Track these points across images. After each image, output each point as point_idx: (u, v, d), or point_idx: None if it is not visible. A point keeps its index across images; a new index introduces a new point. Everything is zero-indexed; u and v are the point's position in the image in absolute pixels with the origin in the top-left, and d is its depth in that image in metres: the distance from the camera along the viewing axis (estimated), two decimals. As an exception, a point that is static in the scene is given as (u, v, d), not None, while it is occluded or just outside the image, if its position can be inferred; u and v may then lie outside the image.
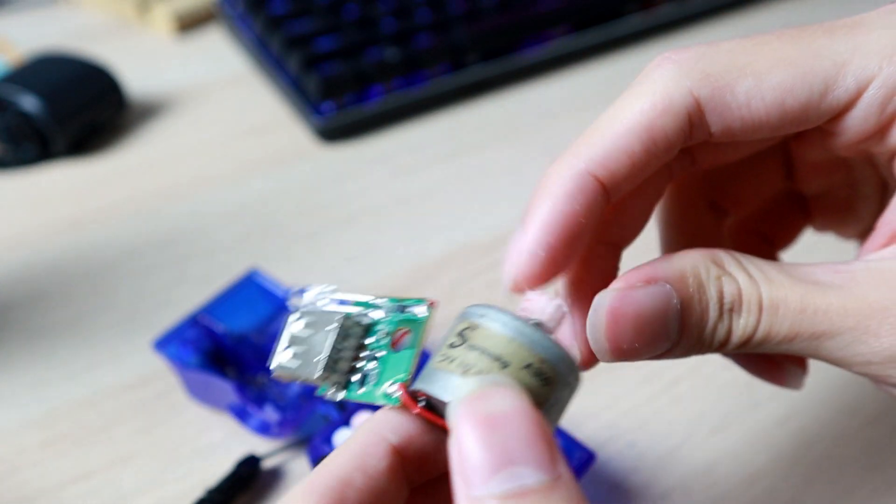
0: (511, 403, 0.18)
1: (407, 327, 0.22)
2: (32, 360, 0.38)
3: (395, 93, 0.54)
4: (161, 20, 0.63)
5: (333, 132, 0.52)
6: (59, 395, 0.37)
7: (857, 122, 0.23)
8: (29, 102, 0.49)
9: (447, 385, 0.20)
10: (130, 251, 0.44)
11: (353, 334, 0.22)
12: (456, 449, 0.18)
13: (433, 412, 0.21)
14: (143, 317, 0.40)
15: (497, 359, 0.20)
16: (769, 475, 0.34)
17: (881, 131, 0.23)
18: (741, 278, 0.22)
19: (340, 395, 0.22)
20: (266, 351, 0.36)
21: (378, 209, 0.47)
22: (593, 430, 0.35)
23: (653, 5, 0.62)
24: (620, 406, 0.36)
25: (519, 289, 0.22)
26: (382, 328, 0.22)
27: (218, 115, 0.56)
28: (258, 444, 0.34)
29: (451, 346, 0.20)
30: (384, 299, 0.23)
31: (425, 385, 0.20)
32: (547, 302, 0.21)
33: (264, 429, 0.34)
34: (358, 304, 0.23)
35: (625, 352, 0.22)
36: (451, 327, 0.21)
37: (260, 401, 0.34)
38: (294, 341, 0.22)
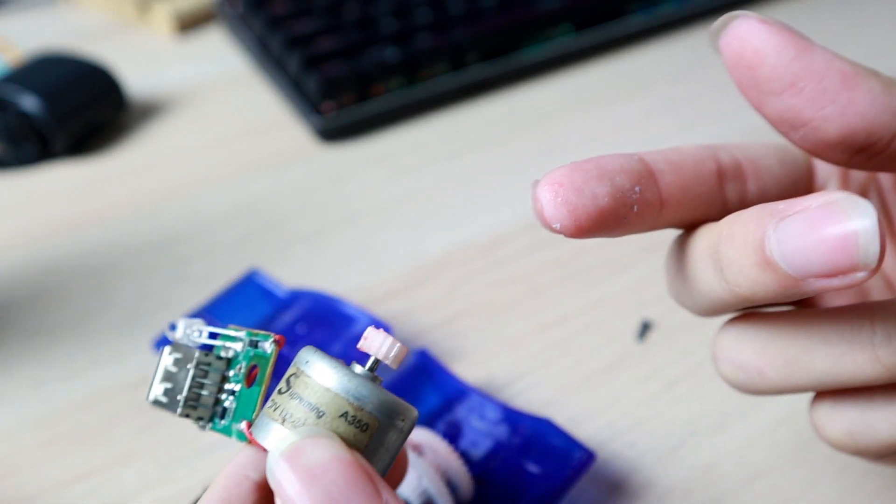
0: (327, 453, 0.19)
1: (257, 364, 0.23)
2: (32, 360, 0.38)
3: (395, 93, 0.54)
4: (161, 20, 0.63)
5: (333, 132, 0.52)
6: (59, 395, 0.37)
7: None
8: (29, 102, 0.49)
9: (269, 433, 0.20)
10: (130, 251, 0.44)
11: (216, 368, 0.23)
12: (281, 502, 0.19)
13: None
14: (143, 317, 0.40)
15: (314, 408, 0.20)
16: (769, 475, 0.34)
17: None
18: None
19: (207, 428, 0.23)
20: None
21: (378, 209, 0.47)
22: (593, 430, 0.35)
23: (653, 5, 0.62)
24: (620, 406, 0.36)
25: (562, 229, 0.21)
26: (240, 362, 0.23)
27: (218, 115, 0.56)
28: (258, 444, 0.34)
29: (279, 392, 0.21)
30: (243, 332, 0.23)
31: (256, 431, 0.21)
32: (383, 339, 0.21)
33: (264, 429, 0.34)
34: (223, 337, 0.24)
35: None
36: (287, 370, 0.22)
37: (260, 401, 0.34)
38: (166, 376, 0.23)
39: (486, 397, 0.34)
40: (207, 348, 0.24)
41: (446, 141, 0.53)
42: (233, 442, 0.34)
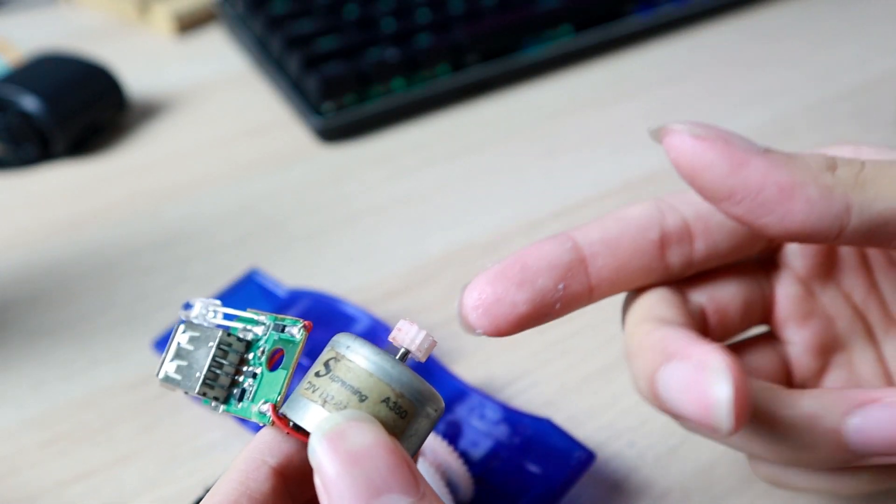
0: (370, 438, 0.19)
1: (282, 347, 0.23)
2: (32, 360, 0.38)
3: (395, 93, 0.54)
4: (161, 20, 0.63)
5: (333, 132, 0.52)
6: (59, 395, 0.37)
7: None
8: (29, 102, 0.49)
9: (308, 414, 0.21)
10: (130, 251, 0.44)
11: (235, 350, 0.23)
12: (322, 486, 0.19)
13: (303, 432, 0.21)
14: (143, 317, 0.40)
15: (356, 392, 0.21)
16: (769, 475, 0.34)
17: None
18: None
19: (220, 409, 0.23)
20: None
21: (378, 209, 0.47)
22: (593, 429, 0.35)
23: (653, 5, 0.62)
24: (620, 406, 0.36)
25: (484, 333, 0.23)
26: (262, 346, 0.23)
27: (218, 115, 0.56)
28: (258, 444, 0.34)
29: (317, 374, 0.21)
30: (265, 316, 0.23)
31: (290, 411, 0.21)
32: (417, 332, 0.22)
33: (264, 429, 0.34)
34: (241, 319, 0.24)
35: None
36: (320, 355, 0.22)
37: (260, 401, 0.34)
38: (179, 354, 0.23)
39: (485, 397, 0.34)
40: (225, 329, 0.23)
41: (446, 141, 0.53)
42: (232, 442, 0.35)
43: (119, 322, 0.40)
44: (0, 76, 0.50)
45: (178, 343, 0.23)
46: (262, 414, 0.22)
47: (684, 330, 0.22)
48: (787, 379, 0.28)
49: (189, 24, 0.64)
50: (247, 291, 0.38)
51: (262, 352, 0.23)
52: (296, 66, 0.54)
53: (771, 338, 0.28)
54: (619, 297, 0.42)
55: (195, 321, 0.24)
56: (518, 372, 0.38)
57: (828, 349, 0.27)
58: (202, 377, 0.22)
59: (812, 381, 0.28)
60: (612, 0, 0.61)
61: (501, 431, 0.33)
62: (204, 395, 0.22)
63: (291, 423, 0.21)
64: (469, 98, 0.56)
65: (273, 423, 0.21)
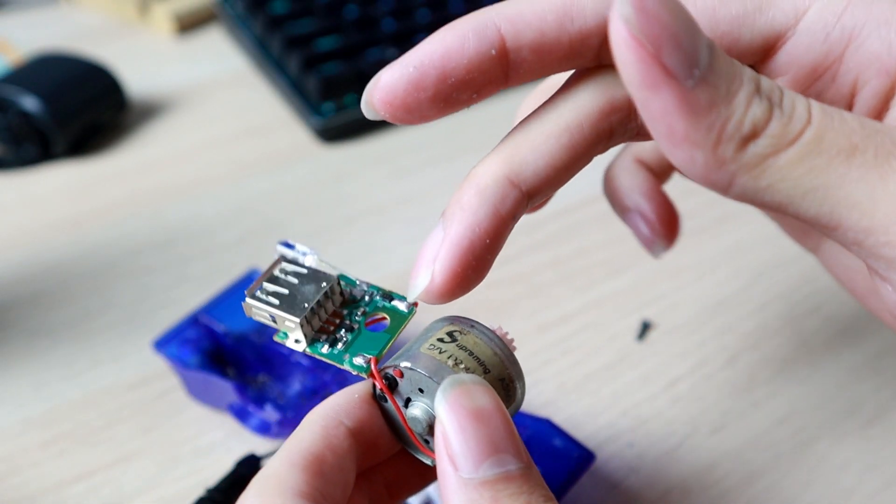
0: (493, 402, 0.20)
1: (386, 315, 0.24)
2: (32, 360, 0.39)
3: (395, 93, 0.54)
4: (161, 20, 0.63)
5: (333, 132, 0.52)
6: (59, 395, 0.37)
7: (799, 52, 0.21)
8: (29, 102, 0.49)
9: (437, 370, 0.21)
10: (130, 251, 0.45)
11: (334, 300, 0.24)
12: (445, 435, 0.20)
13: (393, 391, 0.22)
14: (143, 317, 0.40)
15: (482, 364, 0.22)
16: (769, 475, 0.34)
17: (829, 66, 0.21)
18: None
19: (302, 346, 0.23)
20: (266, 351, 0.36)
21: (378, 209, 0.47)
22: (593, 430, 0.35)
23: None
24: (620, 406, 0.36)
25: (429, 301, 0.23)
26: (362, 307, 0.24)
27: (218, 115, 0.56)
28: (258, 444, 0.34)
29: (441, 340, 0.22)
30: (368, 283, 0.24)
31: (411, 361, 0.22)
32: (502, 331, 0.23)
33: (264, 429, 0.34)
34: (344, 277, 0.25)
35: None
36: (429, 329, 0.23)
37: (260, 401, 0.34)
38: (277, 282, 0.24)
39: (486, 397, 0.34)
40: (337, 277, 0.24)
41: (446, 141, 0.53)
42: (233, 442, 0.35)
43: (119, 322, 0.40)
44: (0, 76, 0.50)
45: (278, 273, 0.24)
46: (359, 365, 0.23)
47: None
48: None
49: (189, 24, 0.64)
50: (247, 291, 0.38)
51: (364, 312, 0.24)
52: (296, 66, 0.54)
53: None
54: (620, 300, 0.42)
55: (297, 262, 0.24)
56: (518, 372, 0.38)
57: None
58: (310, 307, 0.23)
59: None
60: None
61: (501, 431, 0.33)
62: (300, 326, 0.23)
63: (386, 379, 0.22)
64: (469, 98, 0.56)
65: (369, 375, 0.22)
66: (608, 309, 0.41)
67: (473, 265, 0.23)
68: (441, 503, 0.29)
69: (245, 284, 0.38)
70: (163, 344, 0.35)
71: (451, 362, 0.22)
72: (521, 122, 0.23)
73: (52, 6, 0.67)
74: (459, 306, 0.24)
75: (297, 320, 0.23)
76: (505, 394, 0.22)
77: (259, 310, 0.23)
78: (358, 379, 0.23)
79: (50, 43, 0.60)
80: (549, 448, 0.32)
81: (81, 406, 0.36)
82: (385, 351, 0.23)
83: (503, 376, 0.22)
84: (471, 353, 0.22)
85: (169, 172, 0.50)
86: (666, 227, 0.31)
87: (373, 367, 0.22)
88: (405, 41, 0.56)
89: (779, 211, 0.20)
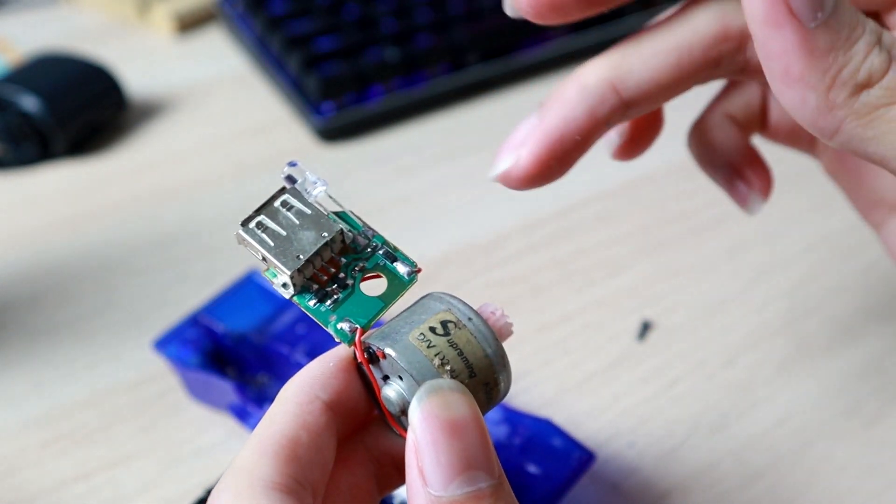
0: (470, 412, 0.19)
1: (383, 275, 0.22)
2: (32, 360, 0.38)
3: (395, 93, 0.54)
4: (161, 20, 0.63)
5: (333, 132, 0.52)
6: (59, 395, 0.37)
7: None
8: (29, 102, 0.49)
9: (421, 369, 0.20)
10: (130, 251, 0.44)
11: (333, 248, 0.22)
12: (416, 446, 0.19)
13: (374, 365, 0.21)
14: (143, 317, 0.40)
15: (469, 367, 0.21)
16: (769, 475, 0.34)
17: None
18: None
19: (290, 294, 0.22)
20: (266, 351, 0.36)
21: (378, 209, 0.47)
22: (593, 430, 0.35)
23: (652, 5, 0.62)
24: (620, 406, 0.36)
25: (507, 184, 0.22)
26: (362, 262, 0.22)
27: (218, 115, 0.56)
28: (258, 444, 0.34)
29: (433, 331, 0.21)
30: (375, 234, 0.23)
31: (396, 352, 0.21)
32: (501, 315, 0.22)
33: (264, 429, 0.34)
34: (350, 221, 0.23)
35: None
36: (424, 305, 0.22)
37: (260, 401, 0.34)
38: (276, 217, 0.22)
39: (486, 397, 0.34)
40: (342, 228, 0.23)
41: (446, 141, 0.53)
42: (233, 442, 0.35)
43: (119, 322, 0.40)
44: (0, 76, 0.50)
45: (278, 206, 0.22)
46: (343, 332, 0.21)
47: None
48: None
49: (189, 24, 0.64)
50: (247, 292, 0.38)
51: (361, 268, 0.22)
52: (296, 65, 0.54)
53: None
54: (620, 300, 0.42)
55: (303, 194, 0.23)
56: (518, 372, 0.38)
57: None
58: (304, 260, 0.21)
59: None
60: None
61: (501, 432, 0.33)
62: (290, 277, 0.21)
63: (370, 352, 0.21)
64: (469, 98, 0.56)
65: (352, 344, 0.21)
66: (608, 309, 0.41)
67: (559, 157, 0.23)
68: None
69: (245, 285, 0.38)
70: (163, 344, 0.35)
71: (437, 361, 0.21)
72: (634, 34, 0.24)
73: (52, 6, 0.67)
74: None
75: (289, 273, 0.21)
76: (486, 397, 0.21)
77: (250, 246, 0.22)
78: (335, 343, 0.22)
79: (50, 43, 0.60)
80: (549, 448, 0.32)
81: (81, 406, 0.36)
82: (374, 321, 0.22)
83: (488, 380, 0.21)
84: (460, 353, 0.21)
85: (169, 172, 0.50)
86: (763, 181, 0.30)
87: (357, 337, 0.21)
88: (405, 41, 0.56)
89: (880, 164, 0.20)
